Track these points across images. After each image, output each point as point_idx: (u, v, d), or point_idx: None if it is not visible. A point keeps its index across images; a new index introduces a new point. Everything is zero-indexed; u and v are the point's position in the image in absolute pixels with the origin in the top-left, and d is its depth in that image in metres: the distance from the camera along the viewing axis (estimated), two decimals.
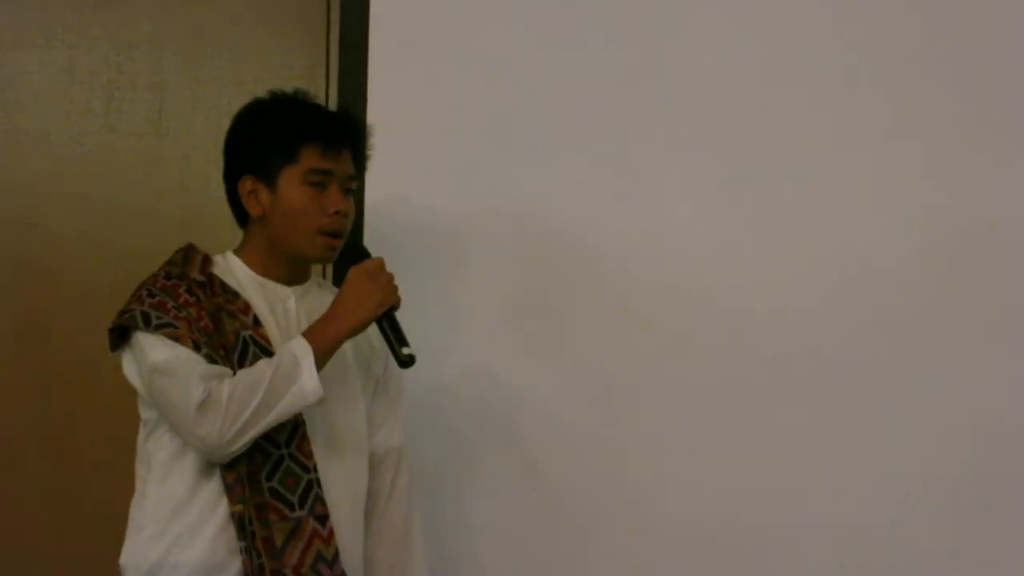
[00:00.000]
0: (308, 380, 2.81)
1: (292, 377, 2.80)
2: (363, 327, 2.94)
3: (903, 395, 4.26)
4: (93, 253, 4.29)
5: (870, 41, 4.35)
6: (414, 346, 3.00)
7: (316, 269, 3.24)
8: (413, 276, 3.59)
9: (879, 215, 4.30)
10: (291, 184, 2.98)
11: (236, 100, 3.46)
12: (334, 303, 2.94)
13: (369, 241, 3.85)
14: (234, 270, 3.03)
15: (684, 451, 4.23)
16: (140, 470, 2.98)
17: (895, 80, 4.35)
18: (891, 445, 4.27)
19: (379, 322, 2.95)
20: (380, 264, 2.99)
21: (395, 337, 2.96)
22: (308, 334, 2.87)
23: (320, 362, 2.82)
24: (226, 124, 3.25)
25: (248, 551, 2.83)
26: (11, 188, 4.34)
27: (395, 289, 2.96)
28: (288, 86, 3.31)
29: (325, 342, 2.87)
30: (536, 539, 4.19)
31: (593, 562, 4.22)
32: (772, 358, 4.26)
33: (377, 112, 4.09)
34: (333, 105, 4.04)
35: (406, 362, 2.95)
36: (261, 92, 3.30)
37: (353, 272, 2.95)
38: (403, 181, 4.16)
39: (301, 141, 2.98)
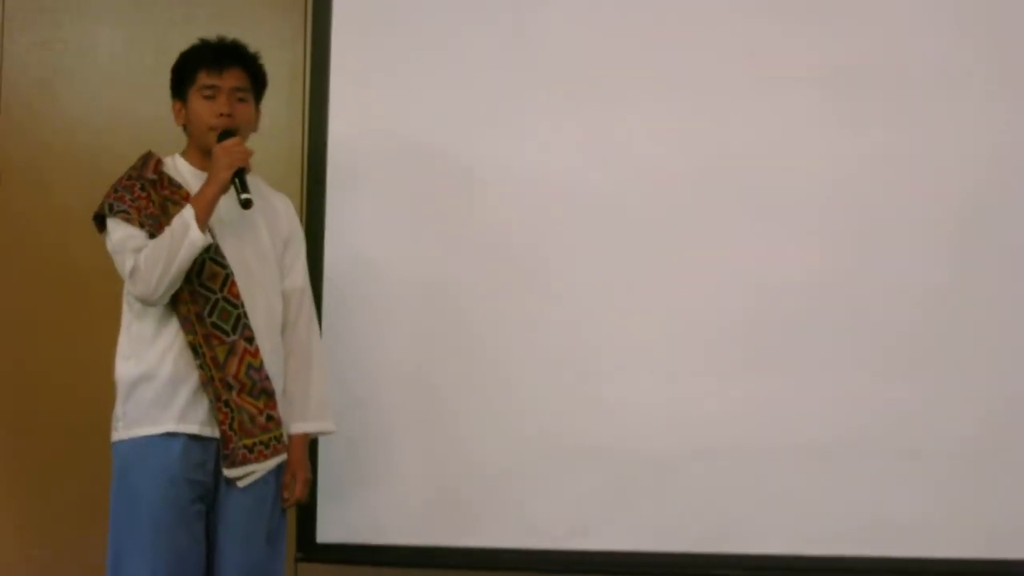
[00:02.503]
0: (194, 232, 3.51)
1: (183, 234, 3.51)
2: (226, 184, 3.59)
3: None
4: None
5: None
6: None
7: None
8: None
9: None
10: (194, 99, 3.72)
11: None
12: (210, 173, 3.62)
13: (333, 161, 4.50)
14: (180, 168, 3.74)
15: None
16: (125, 312, 3.68)
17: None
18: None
19: (233, 178, 3.62)
20: (236, 140, 3.65)
21: (241, 188, 3.61)
22: (192, 200, 3.59)
23: (202, 217, 3.52)
24: None
25: (202, 366, 3.58)
26: None
27: (245, 155, 3.63)
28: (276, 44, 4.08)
29: (203, 202, 3.56)
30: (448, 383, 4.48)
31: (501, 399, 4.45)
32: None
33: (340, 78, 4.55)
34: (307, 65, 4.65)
35: (244, 204, 3.62)
36: None
37: (216, 147, 3.64)
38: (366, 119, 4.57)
39: (195, 68, 3.73)
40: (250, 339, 3.65)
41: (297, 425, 3.78)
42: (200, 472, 3.61)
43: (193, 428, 3.60)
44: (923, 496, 4.26)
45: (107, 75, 4.03)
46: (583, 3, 4.52)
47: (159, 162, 3.71)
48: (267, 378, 3.66)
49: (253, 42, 4.06)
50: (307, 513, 4.36)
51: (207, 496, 3.63)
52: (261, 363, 3.67)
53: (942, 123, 4.37)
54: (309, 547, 4.40)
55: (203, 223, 3.52)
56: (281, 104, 4.80)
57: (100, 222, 3.62)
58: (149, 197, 3.63)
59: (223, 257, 3.63)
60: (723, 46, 4.46)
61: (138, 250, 3.52)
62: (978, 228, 4.36)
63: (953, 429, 4.28)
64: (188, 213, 3.51)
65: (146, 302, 3.55)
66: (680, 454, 4.33)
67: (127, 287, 3.56)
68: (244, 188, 3.61)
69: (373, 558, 4.46)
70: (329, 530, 4.42)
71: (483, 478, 4.41)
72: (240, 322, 3.66)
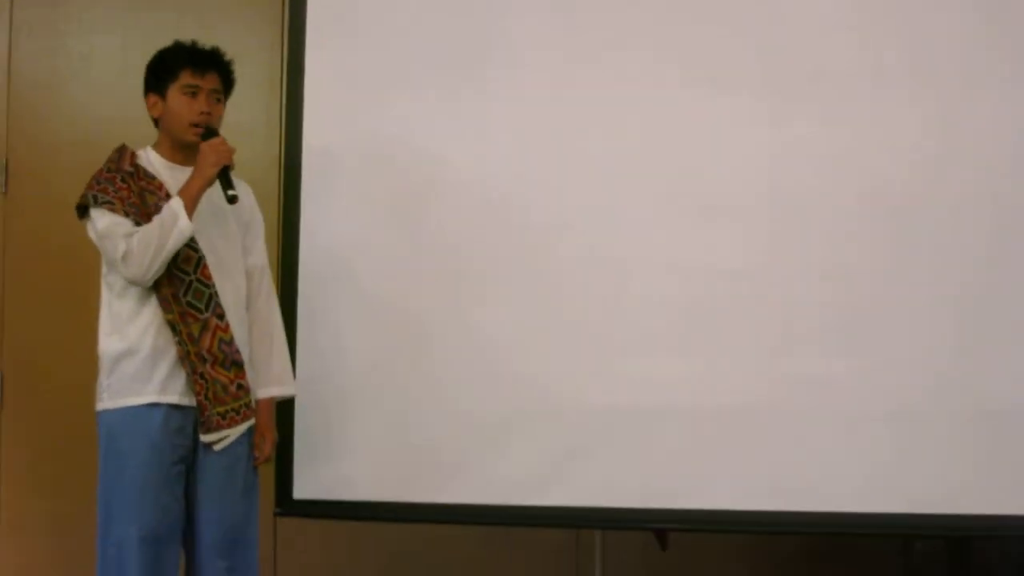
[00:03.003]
0: (183, 221, 3.56)
1: (172, 222, 3.56)
2: (211, 179, 3.63)
3: None
4: None
5: None
6: None
7: None
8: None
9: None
10: (174, 95, 3.70)
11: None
12: (195, 168, 3.66)
13: (307, 159, 4.44)
14: (152, 160, 3.73)
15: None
16: (104, 292, 3.68)
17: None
18: None
19: (219, 175, 3.67)
20: (222, 139, 3.68)
21: (225, 184, 3.68)
22: (180, 193, 3.62)
23: (190, 208, 3.58)
24: None
25: (179, 342, 3.61)
26: None
27: (230, 153, 3.66)
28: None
29: (190, 194, 3.60)
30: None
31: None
32: None
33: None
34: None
35: (230, 200, 3.69)
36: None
37: (203, 145, 3.67)
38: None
39: (178, 67, 3.70)
40: (221, 316, 3.69)
41: (263, 391, 3.82)
42: (180, 437, 3.64)
43: (173, 398, 3.62)
44: (848, 457, 4.25)
45: (103, 77, 4.09)
46: (546, 8, 4.51)
47: (133, 155, 3.71)
48: (237, 351, 3.70)
49: (234, 48, 4.06)
50: (284, 472, 4.36)
51: (187, 458, 3.66)
52: (231, 337, 3.70)
53: (862, 120, 4.37)
54: (286, 503, 4.39)
55: (190, 214, 3.57)
56: (260, 105, 4.94)
57: (82, 211, 3.65)
58: (129, 188, 3.63)
59: (196, 242, 3.66)
60: (669, 49, 4.46)
61: (128, 236, 3.54)
62: (899, 215, 4.34)
63: (877, 398, 4.27)
64: (177, 204, 3.57)
65: (135, 283, 3.57)
66: (627, 417, 4.30)
67: (119, 269, 3.56)
68: (230, 185, 3.68)
69: (343, 513, 4.46)
70: (304, 487, 4.40)
71: (447, 439, 4.38)
72: (212, 301, 3.70)
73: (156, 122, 3.75)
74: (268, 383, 3.85)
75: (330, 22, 4.53)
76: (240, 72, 4.11)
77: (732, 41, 4.43)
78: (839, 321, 4.30)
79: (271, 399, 3.86)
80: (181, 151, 3.74)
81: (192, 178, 3.66)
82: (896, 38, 4.38)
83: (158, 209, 3.61)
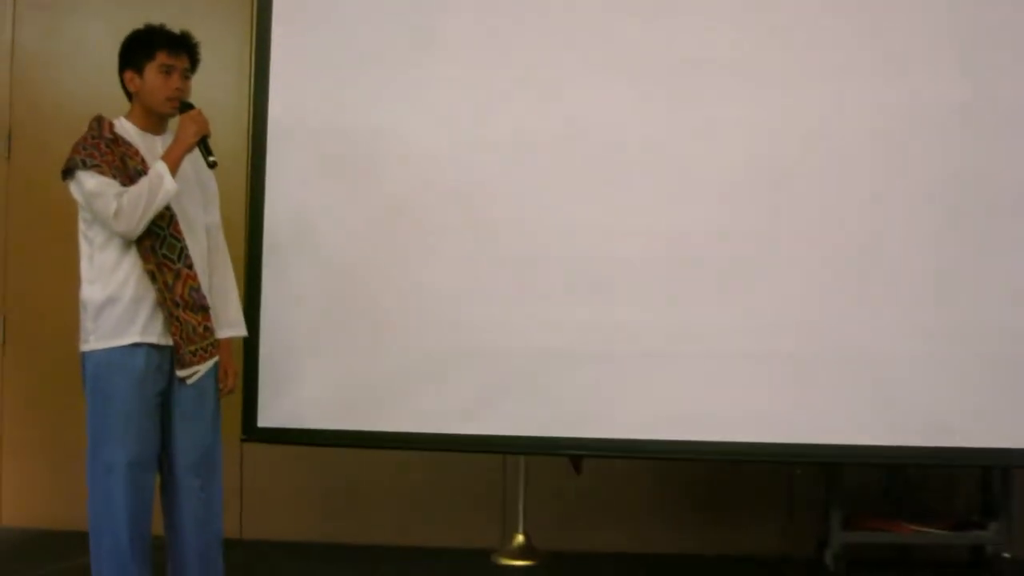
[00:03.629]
0: (168, 182, 3.56)
1: (159, 183, 3.55)
2: (191, 147, 3.64)
3: None
4: None
5: None
6: None
7: (172, 123, 3.79)
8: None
9: None
10: (151, 72, 3.67)
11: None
12: (175, 138, 3.66)
13: (272, 131, 4.40)
14: (127, 128, 3.69)
15: None
16: (84, 246, 3.65)
17: None
18: None
19: (198, 144, 3.67)
20: (198, 111, 3.68)
21: (205, 152, 3.70)
22: (163, 157, 3.61)
23: (173, 170, 3.57)
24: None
25: (158, 290, 3.60)
26: None
27: (207, 124, 3.67)
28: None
29: (173, 159, 3.60)
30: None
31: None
32: None
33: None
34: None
35: (211, 165, 3.73)
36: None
37: (183, 117, 3.67)
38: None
39: (155, 48, 3.68)
40: (190, 266, 3.69)
41: (223, 331, 3.82)
42: (158, 373, 3.63)
43: (152, 339, 3.61)
44: (735, 393, 4.23)
45: (94, 57, 4.12)
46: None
47: (111, 124, 3.67)
48: (203, 297, 3.71)
49: (208, 33, 4.06)
50: (249, 405, 4.37)
51: (164, 392, 3.66)
52: (199, 285, 3.70)
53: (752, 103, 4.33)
54: (251, 431, 4.39)
55: (173, 176, 3.58)
56: (231, 84, 4.98)
57: (67, 173, 3.61)
58: (112, 152, 3.60)
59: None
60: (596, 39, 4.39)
61: (119, 195, 3.52)
62: (780, 185, 4.30)
63: (761, 343, 4.25)
64: (162, 167, 3.57)
65: (125, 236, 3.55)
66: (545, 358, 4.28)
67: (110, 224, 3.52)
68: (210, 152, 3.71)
69: (300, 439, 4.47)
70: (267, 417, 4.40)
71: (390, 377, 4.34)
72: (183, 253, 3.69)
73: (129, 95, 3.73)
74: (227, 325, 3.85)
75: (293, 10, 4.50)
76: (213, 54, 4.09)
77: (651, 33, 4.38)
78: (728, 275, 4.28)
79: (229, 339, 3.88)
80: (152, 120, 3.73)
81: (174, 144, 3.66)
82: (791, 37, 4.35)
83: (136, 172, 3.60)
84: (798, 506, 5.17)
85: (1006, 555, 4.70)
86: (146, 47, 3.70)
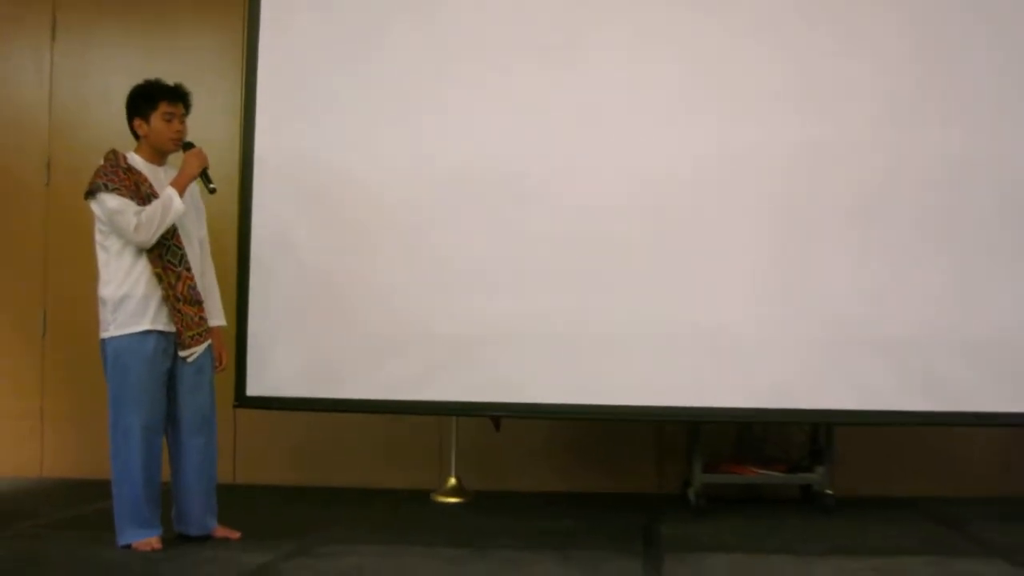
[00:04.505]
0: (177, 203, 3.66)
1: (170, 204, 3.64)
2: (194, 177, 3.75)
3: None
4: None
5: None
6: None
7: (171, 158, 3.85)
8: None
9: None
10: (157, 119, 3.73)
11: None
12: (181, 169, 3.73)
13: (258, 162, 4.42)
14: (137, 161, 3.74)
15: None
16: (101, 254, 3.70)
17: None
18: None
19: (200, 174, 3.77)
20: (199, 149, 3.77)
21: (206, 180, 3.80)
22: (172, 183, 3.69)
23: (180, 195, 3.66)
24: None
25: (164, 288, 3.67)
26: None
27: (206, 159, 3.76)
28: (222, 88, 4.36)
29: (180, 186, 3.71)
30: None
31: None
32: None
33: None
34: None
35: (212, 191, 3.83)
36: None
37: (186, 154, 3.77)
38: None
39: (159, 99, 3.73)
40: (188, 269, 3.75)
41: (213, 321, 3.87)
42: (165, 355, 3.70)
43: (160, 327, 3.67)
44: (622, 365, 4.29)
45: (116, 104, 3.95)
46: (426, 35, 4.44)
47: (124, 156, 3.72)
48: (199, 293, 3.77)
49: (207, 83, 4.35)
50: (240, 378, 4.43)
51: (170, 369, 3.72)
52: (195, 284, 3.77)
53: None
54: (241, 399, 4.47)
55: (181, 197, 3.67)
56: (224, 127, 4.87)
57: (90, 194, 3.64)
58: (128, 179, 3.65)
59: None
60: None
61: (137, 213, 3.58)
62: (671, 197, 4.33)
63: (638, 322, 4.31)
64: (172, 191, 3.66)
65: (141, 245, 3.60)
66: (474, 339, 4.34)
67: (129, 236, 3.58)
68: (210, 180, 3.80)
69: (279, 405, 4.50)
70: (254, 388, 4.46)
71: (351, 355, 4.41)
72: (183, 259, 3.75)
73: (137, 136, 3.77)
74: (215, 317, 3.90)
75: (276, 66, 4.50)
76: (211, 101, 4.27)
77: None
78: (619, 274, 4.31)
79: (218, 327, 3.92)
80: (156, 156, 3.78)
81: (181, 175, 3.73)
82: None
83: (147, 196, 3.65)
84: (668, 454, 5.19)
85: (829, 492, 4.70)
86: (149, 99, 3.75)
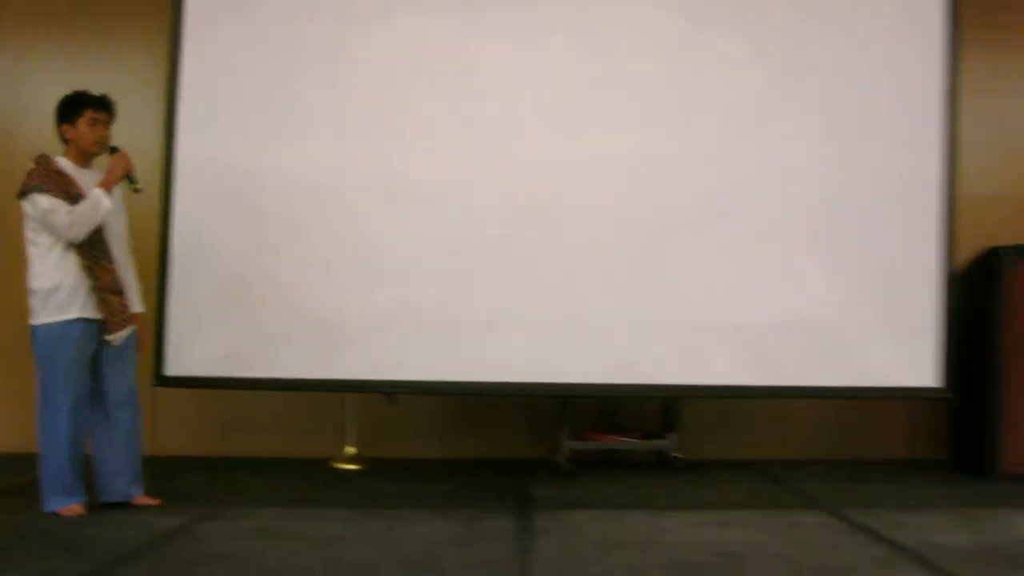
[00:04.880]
0: (105, 202, 3.63)
1: (99, 203, 3.61)
2: (120, 178, 3.71)
3: None
4: None
5: None
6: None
7: (96, 161, 3.80)
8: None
9: None
10: (83, 125, 3.71)
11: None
12: (107, 171, 3.69)
13: (179, 167, 4.35)
14: (65, 165, 3.71)
15: None
16: (32, 249, 3.65)
17: None
18: None
19: (126, 176, 3.72)
20: (123, 153, 3.74)
21: (131, 181, 3.76)
22: (100, 185, 3.65)
23: (107, 195, 3.62)
24: None
25: (91, 279, 3.64)
26: None
27: (131, 161, 3.72)
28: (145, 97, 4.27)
29: (107, 186, 3.67)
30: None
31: None
32: None
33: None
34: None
35: (138, 191, 3.77)
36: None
37: (113, 157, 3.73)
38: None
39: (84, 106, 3.71)
40: (111, 262, 3.73)
41: (134, 308, 3.83)
42: (91, 340, 3.68)
43: (88, 315, 3.65)
44: (518, 347, 4.35)
45: (43, 115, 3.88)
46: (336, 48, 4.40)
47: (52, 160, 3.69)
48: (121, 284, 3.76)
49: (133, 92, 4.28)
50: (158, 360, 4.39)
51: (96, 352, 3.70)
52: (119, 275, 3.76)
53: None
54: (159, 379, 4.43)
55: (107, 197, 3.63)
56: (149, 130, 4.70)
57: (23, 195, 3.60)
58: (58, 181, 3.62)
59: None
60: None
61: (69, 212, 3.54)
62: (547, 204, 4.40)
63: (527, 307, 4.34)
64: (100, 191, 3.62)
65: (72, 241, 3.56)
66: (372, 324, 4.32)
67: (62, 232, 3.54)
68: (135, 181, 3.75)
69: (194, 384, 4.47)
70: (170, 369, 4.43)
71: (257, 341, 4.39)
72: (108, 253, 3.73)
73: (65, 141, 3.73)
74: (135, 305, 3.85)
75: (198, 79, 4.42)
76: (136, 108, 4.22)
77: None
78: (502, 269, 4.36)
79: (138, 313, 3.86)
80: (83, 159, 3.75)
81: (108, 176, 3.70)
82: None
83: (76, 196, 3.61)
84: (539, 424, 5.21)
85: (678, 456, 4.84)
86: (76, 107, 3.73)
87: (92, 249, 3.66)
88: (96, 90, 3.78)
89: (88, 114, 3.68)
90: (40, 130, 4.12)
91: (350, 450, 4.93)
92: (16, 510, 3.69)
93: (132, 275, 3.88)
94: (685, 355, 4.38)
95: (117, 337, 3.71)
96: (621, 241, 4.40)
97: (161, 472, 4.25)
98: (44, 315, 3.61)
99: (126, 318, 3.76)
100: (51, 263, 3.62)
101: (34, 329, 3.65)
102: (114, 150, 3.76)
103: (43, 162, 3.66)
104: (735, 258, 4.41)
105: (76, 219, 3.54)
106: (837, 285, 4.44)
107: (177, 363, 4.39)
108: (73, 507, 3.60)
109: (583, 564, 3.09)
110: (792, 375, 4.41)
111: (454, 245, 4.35)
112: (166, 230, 4.39)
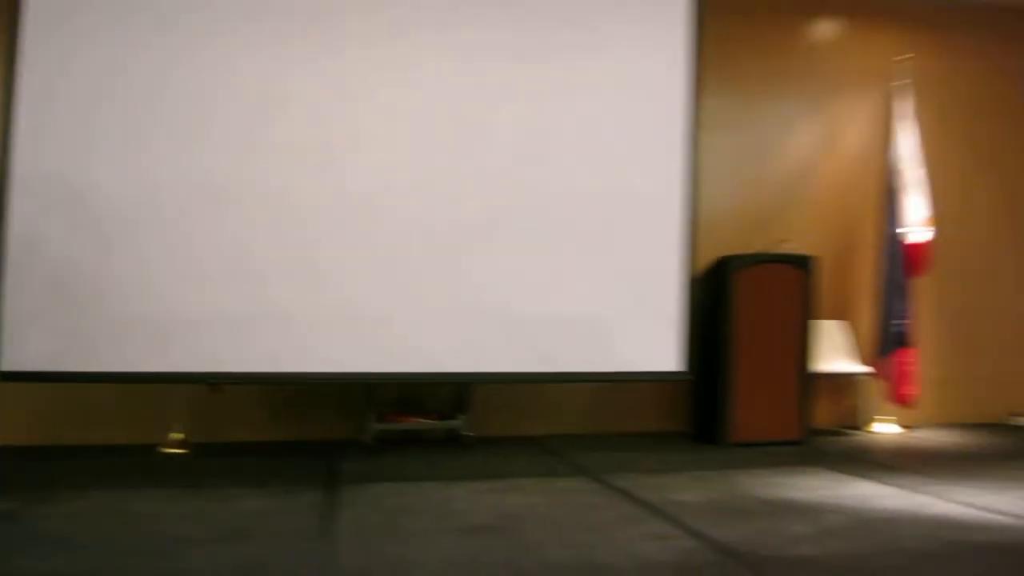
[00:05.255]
0: None
1: None
2: None
3: None
4: None
5: None
6: None
7: None
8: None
9: None
10: None
11: None
12: None
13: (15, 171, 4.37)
14: None
15: None
16: None
17: None
18: None
19: None
20: None
21: None
22: None
23: None
24: None
25: None
26: None
27: None
28: None
29: None
30: None
31: None
32: None
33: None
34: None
35: None
36: None
37: None
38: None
39: None
40: None
41: None
42: None
43: None
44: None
45: None
46: (169, 58, 4.53)
47: None
48: None
49: None
50: None
51: None
52: None
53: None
54: None
55: None
56: None
57: None
58: None
59: None
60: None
61: None
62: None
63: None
64: None
65: None
66: (231, 317, 4.56)
67: None
68: None
69: (29, 378, 4.58)
70: (7, 364, 4.54)
71: (92, 336, 4.53)
72: None
73: None
74: None
75: (38, 85, 4.50)
76: None
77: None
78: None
79: None
80: None
81: None
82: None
83: None
84: (351, 408, 5.41)
85: (469, 433, 5.19)
86: None
87: None
88: None
89: None
90: None
91: (176, 435, 4.99)
92: None
93: None
94: (473, 346, 4.84)
95: None
96: (423, 248, 4.82)
97: None
98: None
99: None
100: None
101: None
102: None
103: None
104: (518, 264, 4.93)
105: None
106: (598, 288, 5.03)
107: (13, 358, 4.50)
108: None
109: (381, 530, 3.28)
110: (561, 362, 4.93)
111: (270, 248, 4.64)
112: (2, 234, 4.46)
